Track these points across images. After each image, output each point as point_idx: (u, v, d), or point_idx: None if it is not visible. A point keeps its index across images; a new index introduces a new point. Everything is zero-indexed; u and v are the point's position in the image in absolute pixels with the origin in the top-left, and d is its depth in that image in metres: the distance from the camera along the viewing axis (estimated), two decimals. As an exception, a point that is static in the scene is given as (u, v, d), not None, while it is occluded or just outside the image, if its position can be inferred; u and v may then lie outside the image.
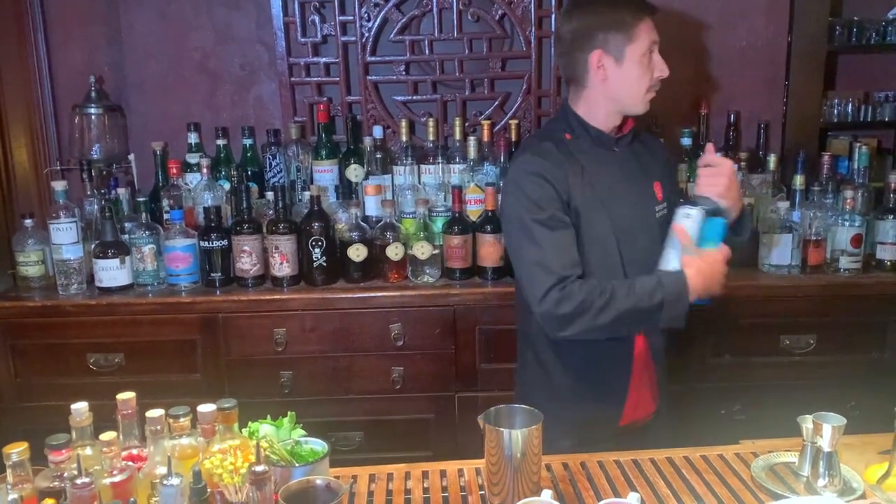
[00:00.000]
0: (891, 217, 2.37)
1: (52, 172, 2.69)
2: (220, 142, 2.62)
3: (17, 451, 1.14)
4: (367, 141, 2.55)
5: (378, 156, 2.52)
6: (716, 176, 1.63)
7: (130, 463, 1.21)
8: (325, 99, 2.66)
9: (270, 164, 2.59)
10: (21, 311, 2.30)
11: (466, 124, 2.63)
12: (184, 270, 2.34)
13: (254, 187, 2.52)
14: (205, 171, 2.44)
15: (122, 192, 2.51)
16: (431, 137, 2.53)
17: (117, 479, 1.16)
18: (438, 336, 2.30)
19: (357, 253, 2.33)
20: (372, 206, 2.46)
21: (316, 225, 2.31)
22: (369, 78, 2.65)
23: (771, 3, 2.68)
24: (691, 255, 1.58)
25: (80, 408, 1.22)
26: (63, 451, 1.17)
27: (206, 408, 1.23)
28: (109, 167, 2.63)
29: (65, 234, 2.31)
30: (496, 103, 2.68)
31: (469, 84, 2.67)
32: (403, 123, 2.53)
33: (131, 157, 2.66)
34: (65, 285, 2.33)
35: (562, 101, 1.97)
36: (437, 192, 2.49)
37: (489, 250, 2.34)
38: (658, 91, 1.67)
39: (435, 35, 2.62)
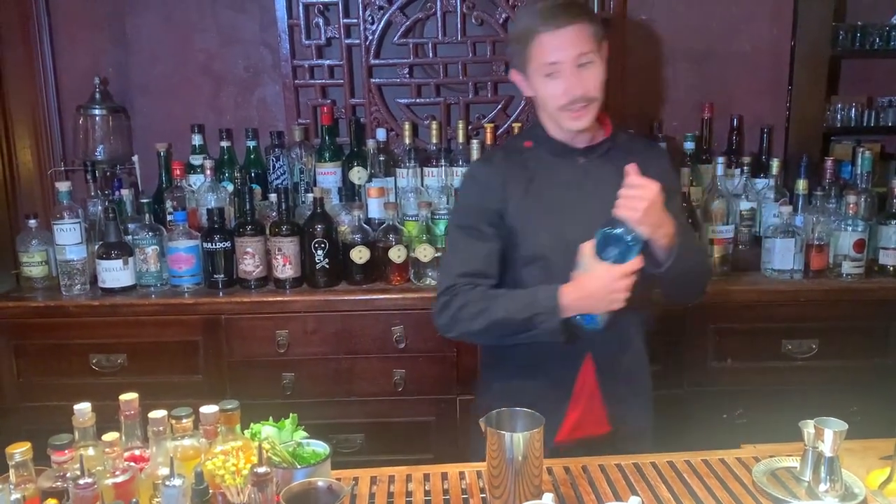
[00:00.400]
0: (894, 222, 2.37)
1: (57, 173, 2.69)
2: (224, 143, 2.62)
3: (20, 451, 1.15)
4: (371, 143, 2.55)
5: (381, 158, 2.53)
6: (634, 200, 1.45)
7: (133, 464, 1.21)
8: (328, 101, 2.67)
9: (274, 166, 2.60)
10: (24, 311, 2.30)
11: (469, 127, 2.63)
12: (187, 272, 2.34)
13: (257, 189, 2.53)
14: (208, 172, 2.45)
15: (125, 193, 2.51)
16: (434, 140, 2.53)
17: (119, 479, 1.16)
18: (440, 339, 2.28)
19: (359, 255, 2.33)
20: (375, 209, 2.46)
21: (319, 227, 2.31)
22: (373, 80, 2.65)
23: (775, 8, 2.68)
24: (585, 271, 1.49)
25: (83, 408, 1.22)
26: (66, 451, 1.17)
27: (208, 409, 1.23)
28: (113, 168, 2.64)
29: (68, 235, 2.31)
30: (499, 106, 2.68)
31: (472, 87, 2.67)
32: (407, 126, 2.54)
33: (135, 158, 2.67)
34: (68, 286, 2.34)
35: None
36: (439, 195, 2.49)
37: (491, 253, 2.34)
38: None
39: (438, 38, 2.62)
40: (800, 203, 2.41)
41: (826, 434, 1.28)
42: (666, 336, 2.31)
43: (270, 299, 2.29)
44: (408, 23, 2.61)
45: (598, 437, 1.64)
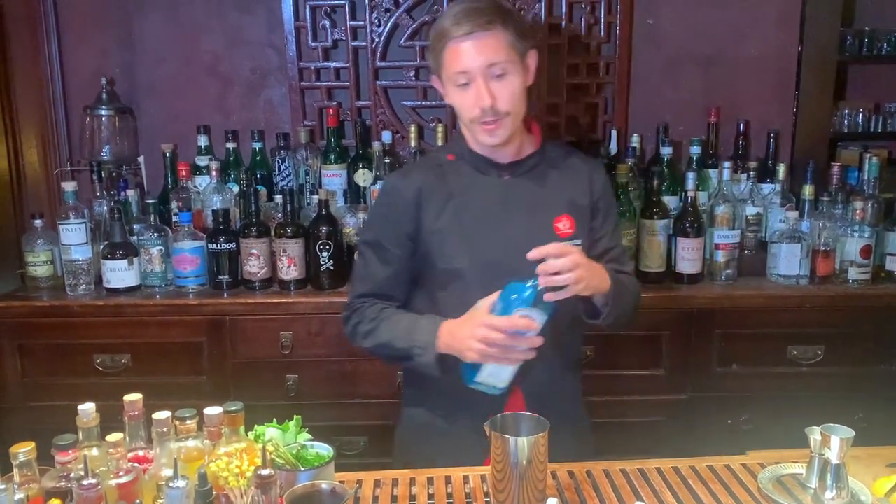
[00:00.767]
0: (901, 228, 2.36)
1: (63, 173, 2.70)
2: (230, 145, 2.63)
3: (24, 450, 1.15)
4: (376, 146, 2.55)
5: (387, 160, 2.53)
6: (563, 275, 1.32)
7: (136, 464, 1.21)
8: (334, 103, 2.67)
9: (279, 168, 2.60)
10: (29, 310, 2.30)
11: (475, 130, 2.63)
12: (191, 272, 2.34)
13: (262, 190, 2.53)
14: (214, 173, 2.45)
15: (131, 193, 2.52)
16: (440, 143, 2.53)
17: (123, 480, 1.16)
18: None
19: (364, 257, 2.33)
20: (380, 211, 2.46)
21: (324, 229, 2.31)
22: (379, 83, 2.66)
23: (782, 13, 2.68)
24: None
25: (88, 409, 1.22)
26: (70, 451, 1.17)
27: (212, 410, 1.23)
28: (119, 168, 2.64)
29: (74, 235, 2.31)
30: (505, 110, 2.68)
31: (478, 90, 2.67)
32: (412, 128, 2.54)
33: (141, 158, 2.67)
34: (73, 286, 2.34)
35: None
36: (445, 198, 2.48)
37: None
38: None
39: (445, 41, 2.62)
40: (806, 208, 2.41)
41: (832, 441, 1.27)
42: (671, 341, 2.31)
43: (275, 301, 2.29)
44: (414, 25, 2.61)
45: None
